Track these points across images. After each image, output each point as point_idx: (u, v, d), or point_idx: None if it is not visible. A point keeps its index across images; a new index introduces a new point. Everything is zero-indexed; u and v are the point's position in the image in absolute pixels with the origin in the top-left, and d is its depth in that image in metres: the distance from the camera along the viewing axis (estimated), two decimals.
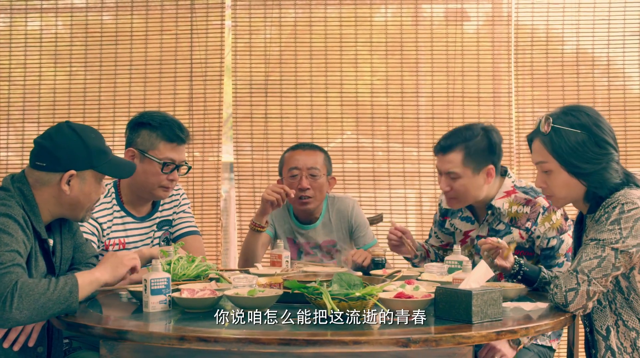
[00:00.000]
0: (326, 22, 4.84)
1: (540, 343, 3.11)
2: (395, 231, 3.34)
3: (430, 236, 3.56)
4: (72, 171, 2.59)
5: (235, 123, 4.88)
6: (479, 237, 3.22)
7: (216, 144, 4.84)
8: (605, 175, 2.58)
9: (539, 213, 3.11)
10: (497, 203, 3.17)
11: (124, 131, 4.82)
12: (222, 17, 4.86)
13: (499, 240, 2.86)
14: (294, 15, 4.86)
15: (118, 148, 4.86)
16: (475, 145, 3.13)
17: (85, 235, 2.98)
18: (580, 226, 2.78)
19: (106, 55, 4.88)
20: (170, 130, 3.26)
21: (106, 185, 3.29)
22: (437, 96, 4.79)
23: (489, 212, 3.20)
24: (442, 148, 3.18)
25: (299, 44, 4.84)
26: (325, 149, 3.85)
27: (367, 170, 4.83)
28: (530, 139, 2.73)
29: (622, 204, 2.52)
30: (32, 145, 2.66)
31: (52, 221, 2.67)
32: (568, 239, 3.10)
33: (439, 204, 3.47)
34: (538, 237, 3.11)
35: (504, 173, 3.24)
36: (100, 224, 3.20)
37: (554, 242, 3.10)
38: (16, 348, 2.55)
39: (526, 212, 3.13)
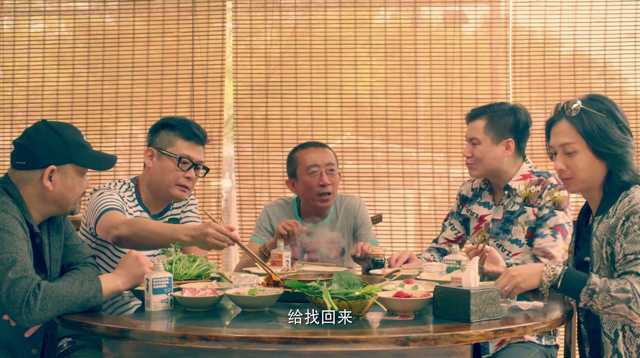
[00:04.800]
0: (326, 25, 4.87)
1: (544, 343, 3.14)
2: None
3: (443, 230, 3.60)
4: (52, 167, 2.59)
5: (236, 124, 4.91)
6: (493, 221, 3.37)
7: (217, 145, 4.87)
8: (628, 158, 2.64)
9: (547, 188, 3.27)
10: (513, 184, 3.34)
11: (125, 132, 4.91)
12: (223, 19, 4.88)
13: (480, 244, 2.95)
14: (294, 18, 4.88)
15: (120, 149, 4.89)
16: (499, 116, 3.34)
17: (113, 209, 3.04)
18: (584, 217, 2.80)
19: (108, 57, 4.91)
20: (189, 129, 3.29)
21: (125, 182, 3.34)
22: (436, 98, 4.82)
23: (506, 193, 3.35)
24: (470, 116, 3.41)
25: (299, 46, 4.87)
26: None
27: (366, 171, 4.85)
28: (552, 122, 2.74)
29: None
30: None
31: (41, 221, 2.67)
32: (561, 218, 3.22)
33: (459, 194, 3.59)
34: (540, 209, 3.26)
35: (523, 159, 3.40)
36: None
37: (545, 211, 3.25)
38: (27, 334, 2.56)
39: (537, 190, 3.28)
